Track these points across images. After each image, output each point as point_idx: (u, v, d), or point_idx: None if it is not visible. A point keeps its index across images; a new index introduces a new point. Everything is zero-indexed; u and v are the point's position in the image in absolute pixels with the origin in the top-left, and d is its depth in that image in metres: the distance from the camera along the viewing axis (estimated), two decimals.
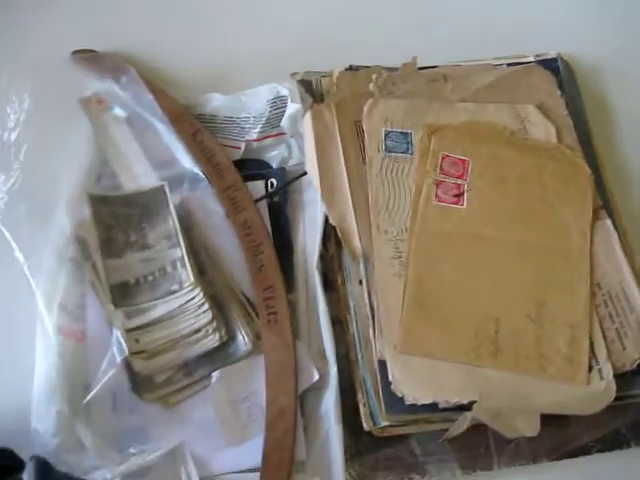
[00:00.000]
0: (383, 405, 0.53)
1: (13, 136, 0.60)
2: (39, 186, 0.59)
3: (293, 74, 0.67)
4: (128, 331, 0.55)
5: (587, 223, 0.60)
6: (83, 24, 0.71)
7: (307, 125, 0.61)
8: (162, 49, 0.70)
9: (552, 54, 0.70)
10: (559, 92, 0.66)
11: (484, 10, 0.76)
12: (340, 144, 0.61)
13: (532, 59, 0.69)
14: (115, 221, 0.59)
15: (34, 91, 0.61)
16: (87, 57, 0.67)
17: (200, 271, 0.58)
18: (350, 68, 0.66)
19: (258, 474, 0.53)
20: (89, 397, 0.54)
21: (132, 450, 0.54)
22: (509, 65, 0.68)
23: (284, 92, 0.63)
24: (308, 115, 0.61)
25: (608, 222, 0.61)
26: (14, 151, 0.60)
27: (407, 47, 0.67)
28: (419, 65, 0.66)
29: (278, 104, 0.63)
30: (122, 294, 0.56)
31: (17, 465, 0.50)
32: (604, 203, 0.62)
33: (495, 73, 0.66)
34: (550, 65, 0.69)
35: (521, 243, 0.59)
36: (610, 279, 0.58)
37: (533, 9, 0.76)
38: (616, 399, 0.54)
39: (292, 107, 0.62)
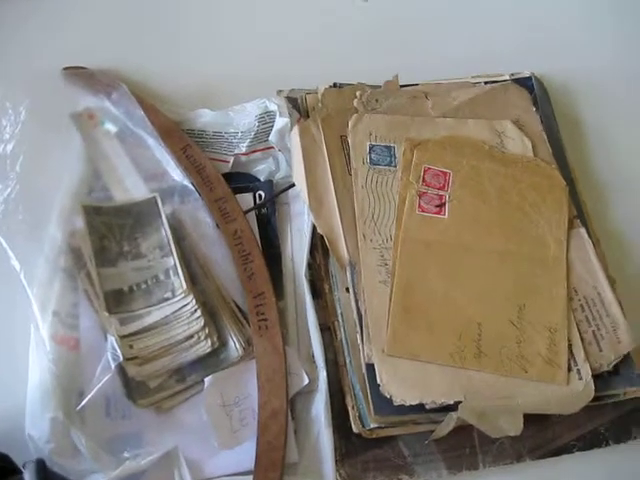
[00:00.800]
0: (371, 407, 0.55)
1: (9, 147, 0.61)
2: (34, 196, 0.61)
3: (279, 91, 0.69)
4: (122, 337, 0.56)
5: (563, 232, 0.62)
6: (75, 41, 0.73)
7: (295, 139, 0.63)
8: (152, 67, 0.72)
9: (526, 73, 0.73)
10: (534, 108, 0.69)
11: (461, 32, 0.79)
12: (327, 157, 0.63)
13: (508, 78, 0.72)
14: (108, 231, 0.60)
15: (29, 105, 0.63)
16: (79, 73, 0.69)
17: (192, 280, 0.59)
18: (334, 85, 0.68)
19: (251, 477, 0.54)
20: (83, 403, 0.55)
21: (126, 454, 0.55)
22: (486, 83, 0.71)
23: (272, 107, 0.65)
24: (296, 129, 0.64)
25: (582, 231, 0.63)
26: (10, 162, 0.61)
27: (388, 66, 0.69)
28: (401, 83, 0.69)
29: (266, 119, 0.65)
30: (116, 301, 0.57)
31: (12, 468, 0.51)
32: (578, 213, 0.65)
33: (474, 90, 0.69)
34: (525, 83, 0.72)
35: (501, 251, 0.61)
36: (586, 284, 0.61)
37: (508, 31, 0.79)
38: (594, 399, 0.56)
39: (280, 121, 0.64)
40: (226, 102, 0.68)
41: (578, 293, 0.61)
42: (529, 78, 0.73)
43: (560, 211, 0.63)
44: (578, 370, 0.57)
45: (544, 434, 0.59)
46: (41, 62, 0.70)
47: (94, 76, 0.68)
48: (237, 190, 0.65)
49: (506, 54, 0.76)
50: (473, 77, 0.72)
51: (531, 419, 0.55)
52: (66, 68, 0.69)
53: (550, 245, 0.62)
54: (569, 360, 0.57)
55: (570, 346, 0.58)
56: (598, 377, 0.57)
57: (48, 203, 0.61)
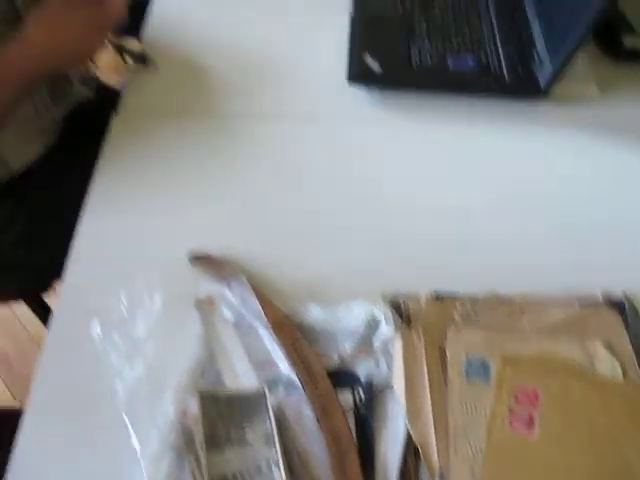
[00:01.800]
0: None
1: (142, 333, 0.69)
2: (157, 378, 0.67)
3: (384, 296, 0.74)
4: None
5: None
6: (202, 231, 0.82)
7: (397, 347, 0.69)
8: (268, 258, 0.79)
9: (618, 293, 0.77)
10: (625, 331, 0.73)
11: (557, 245, 0.84)
12: (425, 368, 0.68)
13: (600, 298, 0.76)
14: (219, 417, 0.65)
15: (162, 292, 0.71)
16: (204, 261, 0.76)
17: (291, 471, 0.63)
18: (436, 295, 0.73)
19: None
20: None
21: None
22: (579, 300, 0.75)
23: (378, 315, 0.71)
24: (398, 337, 0.69)
25: None
26: (140, 346, 0.68)
27: (485, 274, 0.76)
28: (498, 290, 0.74)
29: (371, 324, 0.71)
30: None
31: None
32: None
33: (566, 310, 0.74)
34: (616, 304, 0.75)
35: (588, 474, 0.63)
36: None
37: (600, 248, 0.84)
38: None
39: (385, 329, 0.70)
40: (334, 297, 0.74)
41: None
42: (621, 300, 0.76)
43: None
44: None
45: None
46: (171, 250, 0.78)
47: (217, 264, 0.76)
48: (337, 386, 0.69)
49: (599, 269, 0.81)
50: (567, 295, 0.76)
51: None
52: (195, 256, 0.77)
53: (638, 474, 0.63)
54: None
55: None
56: None
57: (168, 383, 0.67)
